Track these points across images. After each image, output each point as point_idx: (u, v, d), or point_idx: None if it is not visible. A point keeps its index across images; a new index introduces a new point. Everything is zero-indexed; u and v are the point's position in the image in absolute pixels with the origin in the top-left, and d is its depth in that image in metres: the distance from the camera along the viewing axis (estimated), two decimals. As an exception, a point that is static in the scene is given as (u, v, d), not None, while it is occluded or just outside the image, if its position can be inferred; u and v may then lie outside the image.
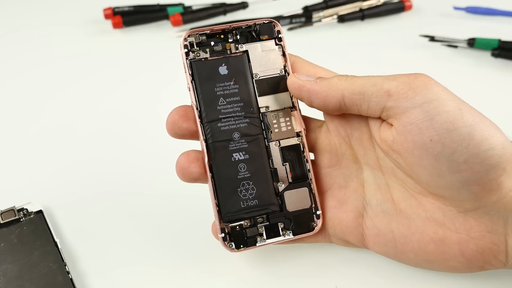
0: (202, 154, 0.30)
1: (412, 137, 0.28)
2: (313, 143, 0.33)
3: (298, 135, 0.32)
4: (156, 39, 0.56)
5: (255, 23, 0.31)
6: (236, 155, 0.30)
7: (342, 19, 0.57)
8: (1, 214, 0.35)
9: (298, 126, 0.32)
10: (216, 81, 0.30)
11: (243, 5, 0.59)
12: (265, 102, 0.31)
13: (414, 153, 0.28)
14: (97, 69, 0.52)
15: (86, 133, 0.44)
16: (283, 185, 0.31)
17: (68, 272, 0.32)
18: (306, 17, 0.58)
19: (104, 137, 0.44)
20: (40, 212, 0.35)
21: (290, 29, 0.57)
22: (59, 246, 0.34)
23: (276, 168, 0.31)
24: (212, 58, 0.30)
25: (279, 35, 0.31)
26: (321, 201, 0.32)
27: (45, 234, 0.34)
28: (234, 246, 0.30)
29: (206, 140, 0.30)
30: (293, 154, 0.31)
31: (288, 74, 0.31)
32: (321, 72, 0.32)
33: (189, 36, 0.30)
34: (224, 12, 0.59)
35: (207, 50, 0.30)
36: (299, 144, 0.32)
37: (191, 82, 0.30)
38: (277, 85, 0.31)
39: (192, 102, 0.30)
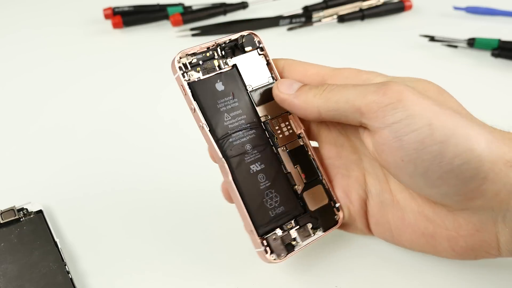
0: (223, 172, 0.30)
1: (385, 156, 0.28)
2: (315, 137, 0.33)
3: (299, 136, 0.32)
4: (156, 39, 0.56)
5: (237, 38, 0.32)
6: (253, 167, 0.30)
7: (342, 19, 0.57)
8: (1, 214, 0.35)
9: (298, 128, 0.32)
10: (216, 98, 0.30)
11: (243, 5, 0.59)
12: (263, 111, 0.32)
13: (391, 170, 0.29)
14: (97, 69, 0.52)
15: (86, 133, 0.44)
16: (300, 186, 0.32)
17: (68, 272, 0.32)
18: (306, 17, 0.58)
19: (104, 137, 0.44)
20: (40, 212, 0.35)
21: (290, 29, 0.57)
22: (59, 246, 0.34)
23: (290, 172, 0.31)
24: (206, 76, 0.30)
25: (260, 45, 0.32)
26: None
27: (45, 234, 0.34)
28: (276, 257, 0.30)
29: (226, 157, 0.30)
30: (301, 155, 0.32)
31: (275, 82, 0.32)
32: (312, 72, 0.31)
33: (180, 58, 0.30)
34: (224, 12, 0.59)
35: (198, 69, 0.30)
36: (303, 144, 0.32)
37: (195, 102, 0.30)
38: (270, 93, 0.32)
39: (201, 122, 0.30)
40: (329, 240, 0.35)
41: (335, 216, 0.32)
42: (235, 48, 0.32)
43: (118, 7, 0.57)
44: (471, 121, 0.27)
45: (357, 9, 0.58)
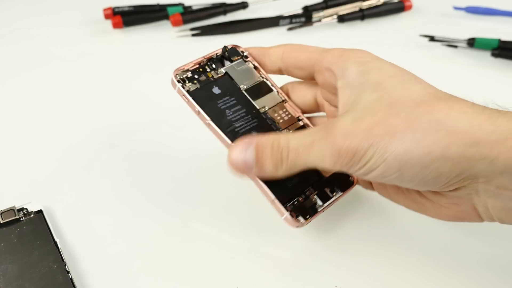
0: None
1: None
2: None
3: (299, 119, 0.35)
4: (156, 39, 0.56)
5: (221, 51, 0.36)
6: None
7: (342, 19, 0.57)
8: (1, 214, 0.35)
9: (296, 112, 0.36)
10: (216, 100, 0.34)
11: (243, 5, 0.59)
12: (260, 104, 0.35)
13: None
14: (97, 69, 0.52)
15: (85, 133, 0.44)
16: None
17: (68, 272, 0.32)
18: (306, 17, 0.58)
19: (104, 137, 0.44)
20: (40, 211, 0.35)
21: (290, 29, 0.57)
22: (59, 246, 0.34)
23: None
24: (203, 84, 0.34)
25: (244, 54, 0.36)
26: None
27: (45, 233, 0.34)
28: (303, 219, 0.32)
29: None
30: None
31: (265, 80, 0.36)
32: (304, 57, 0.34)
33: (176, 74, 0.34)
34: (224, 12, 0.59)
35: (195, 81, 0.34)
36: (304, 125, 0.35)
37: (198, 105, 0.33)
38: (262, 89, 0.36)
39: (206, 120, 0.33)
40: (329, 240, 0.35)
41: (350, 178, 0.35)
42: (223, 59, 0.36)
43: (118, 7, 0.57)
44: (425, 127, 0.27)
45: (357, 9, 0.58)
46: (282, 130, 0.34)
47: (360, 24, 0.58)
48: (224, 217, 0.37)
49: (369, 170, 0.28)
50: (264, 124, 0.34)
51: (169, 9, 0.58)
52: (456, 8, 0.59)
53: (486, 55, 0.52)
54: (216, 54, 0.36)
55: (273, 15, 0.58)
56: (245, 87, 0.35)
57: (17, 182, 0.40)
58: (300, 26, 0.57)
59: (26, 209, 0.35)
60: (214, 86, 0.34)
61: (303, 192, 0.33)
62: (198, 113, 0.33)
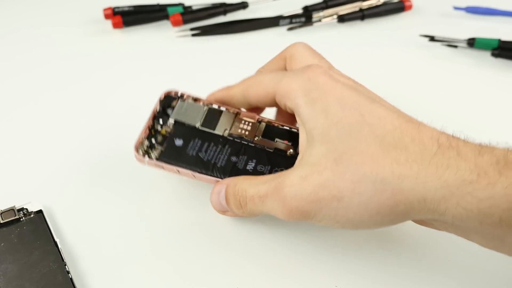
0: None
1: None
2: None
3: (259, 121, 0.36)
4: (156, 39, 0.56)
5: (158, 105, 0.37)
6: (249, 166, 0.34)
7: (342, 19, 0.57)
8: (1, 213, 0.35)
9: (253, 118, 0.36)
10: (183, 150, 0.35)
11: (243, 5, 0.59)
12: (220, 129, 0.36)
13: None
14: (97, 69, 0.52)
15: (85, 133, 0.44)
16: (291, 150, 0.35)
17: (68, 272, 0.32)
18: (306, 17, 0.58)
19: (104, 136, 0.44)
20: (40, 211, 0.35)
21: (290, 29, 0.57)
22: (59, 246, 0.34)
23: (275, 147, 0.35)
24: (164, 145, 0.35)
25: (179, 94, 0.37)
26: None
27: (45, 233, 0.34)
28: None
29: (225, 175, 0.34)
30: (272, 132, 0.36)
31: (210, 105, 0.36)
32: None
33: (138, 149, 0.35)
34: (224, 12, 0.59)
35: (156, 146, 0.35)
36: (267, 123, 0.36)
37: (175, 166, 0.34)
38: (213, 115, 0.36)
39: (190, 174, 0.34)
40: (329, 239, 0.35)
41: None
42: (165, 110, 0.36)
43: (118, 7, 0.57)
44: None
45: (357, 9, 0.58)
46: (253, 140, 0.35)
47: (360, 24, 0.58)
48: (224, 216, 0.37)
49: (325, 225, 0.29)
50: (236, 145, 0.35)
51: (169, 9, 0.58)
52: (456, 8, 0.59)
53: (486, 55, 0.52)
54: (157, 110, 0.36)
55: (273, 15, 0.58)
56: (199, 123, 0.36)
57: (17, 182, 0.40)
58: (300, 26, 0.57)
59: (26, 209, 0.35)
60: (175, 139, 0.35)
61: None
62: (178, 172, 0.34)
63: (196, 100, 0.37)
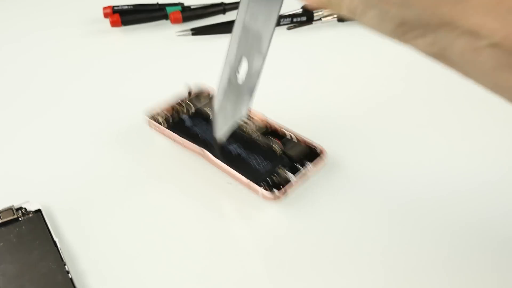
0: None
1: None
2: None
3: (248, 118, 0.41)
4: (155, 38, 0.56)
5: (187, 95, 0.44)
6: (233, 148, 0.39)
7: (342, 18, 0.57)
8: (-1, 213, 0.35)
9: (254, 132, 0.41)
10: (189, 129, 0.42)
11: (243, 4, 0.59)
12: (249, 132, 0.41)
13: None
14: (97, 68, 0.51)
15: (85, 132, 0.44)
16: (276, 146, 0.39)
17: (67, 272, 0.32)
18: (306, 16, 0.58)
19: (104, 136, 0.43)
20: (39, 211, 0.35)
21: (290, 28, 0.57)
22: (58, 246, 0.33)
23: (266, 143, 0.39)
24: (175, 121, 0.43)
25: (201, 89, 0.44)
26: None
27: (44, 233, 0.34)
28: (277, 192, 0.36)
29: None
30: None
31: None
32: None
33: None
34: (224, 11, 0.59)
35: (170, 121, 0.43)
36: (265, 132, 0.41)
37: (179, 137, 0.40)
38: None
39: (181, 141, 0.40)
40: (329, 239, 0.35)
41: (317, 150, 0.39)
42: (191, 100, 0.44)
43: (117, 6, 0.57)
44: None
45: (357, 8, 0.58)
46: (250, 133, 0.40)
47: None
48: (224, 217, 0.37)
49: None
50: (256, 145, 0.40)
51: (168, 9, 0.58)
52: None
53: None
54: (186, 98, 0.44)
55: (273, 14, 0.57)
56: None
57: (15, 181, 0.39)
58: (300, 25, 0.57)
59: (25, 208, 0.35)
60: (186, 120, 0.42)
61: (275, 172, 0.37)
62: (175, 140, 0.40)
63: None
